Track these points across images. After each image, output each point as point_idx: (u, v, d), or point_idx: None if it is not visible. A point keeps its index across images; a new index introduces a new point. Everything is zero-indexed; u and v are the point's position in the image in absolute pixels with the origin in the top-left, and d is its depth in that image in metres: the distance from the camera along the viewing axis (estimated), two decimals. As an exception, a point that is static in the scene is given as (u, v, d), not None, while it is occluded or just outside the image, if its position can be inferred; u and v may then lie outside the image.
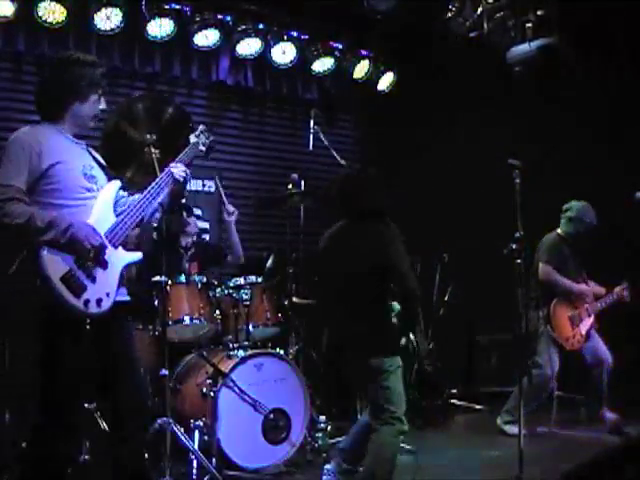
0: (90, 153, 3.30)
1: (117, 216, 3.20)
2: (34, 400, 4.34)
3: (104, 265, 3.06)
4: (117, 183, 3.28)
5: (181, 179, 3.38)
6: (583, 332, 5.46)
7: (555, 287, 5.43)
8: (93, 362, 3.10)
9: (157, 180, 3.33)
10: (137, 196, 3.30)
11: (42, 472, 3.04)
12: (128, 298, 3.25)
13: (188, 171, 3.44)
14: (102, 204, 3.16)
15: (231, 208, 5.15)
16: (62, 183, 3.06)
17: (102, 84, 3.26)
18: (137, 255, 3.23)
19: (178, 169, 3.39)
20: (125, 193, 3.35)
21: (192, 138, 3.64)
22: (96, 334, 3.02)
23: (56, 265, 2.93)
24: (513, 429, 4.88)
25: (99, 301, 3.00)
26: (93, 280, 3.00)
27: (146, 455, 3.41)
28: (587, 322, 5.51)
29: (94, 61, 3.27)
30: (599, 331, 5.59)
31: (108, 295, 3.04)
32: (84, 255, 2.98)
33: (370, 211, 4.11)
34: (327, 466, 4.20)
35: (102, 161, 3.33)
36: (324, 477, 4.17)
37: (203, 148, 3.66)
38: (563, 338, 5.39)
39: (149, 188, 3.29)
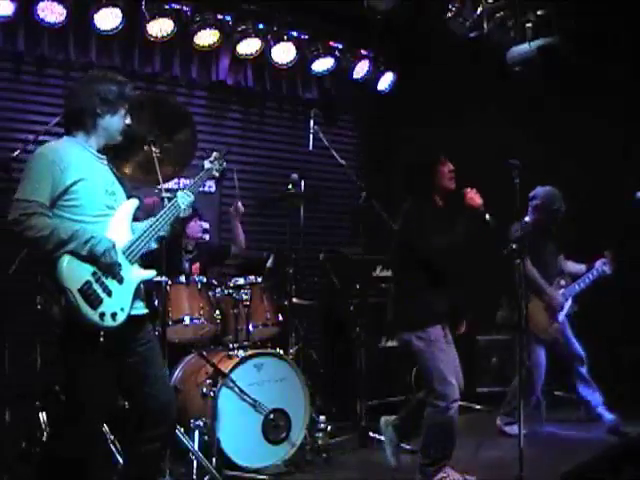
0: (111, 170, 3.35)
1: (134, 233, 3.25)
2: (33, 400, 4.38)
3: (120, 280, 3.11)
4: (136, 201, 3.33)
5: (185, 212, 3.44)
6: (561, 319, 5.38)
7: (531, 282, 5.34)
8: (109, 374, 3.14)
9: (173, 202, 3.40)
10: (152, 219, 3.35)
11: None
12: (145, 311, 3.29)
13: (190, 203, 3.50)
14: (120, 220, 3.22)
15: (241, 208, 5.27)
16: (83, 199, 3.11)
17: (129, 99, 3.32)
18: (152, 273, 3.28)
19: (186, 200, 3.45)
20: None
21: (206, 164, 3.73)
22: (110, 347, 3.06)
23: (74, 277, 2.97)
24: (513, 429, 4.88)
25: (114, 315, 3.04)
26: (109, 294, 3.05)
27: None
28: (565, 307, 5.40)
29: (122, 80, 3.34)
30: (579, 316, 5.51)
31: (123, 310, 3.08)
32: (102, 267, 3.04)
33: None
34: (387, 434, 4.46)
35: (119, 178, 3.39)
36: (382, 419, 4.47)
37: (217, 174, 3.75)
38: (540, 329, 5.31)
39: (166, 208, 3.37)
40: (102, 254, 3.02)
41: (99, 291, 3.02)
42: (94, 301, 2.98)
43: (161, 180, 3.70)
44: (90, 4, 5.43)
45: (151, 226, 3.29)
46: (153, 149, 3.86)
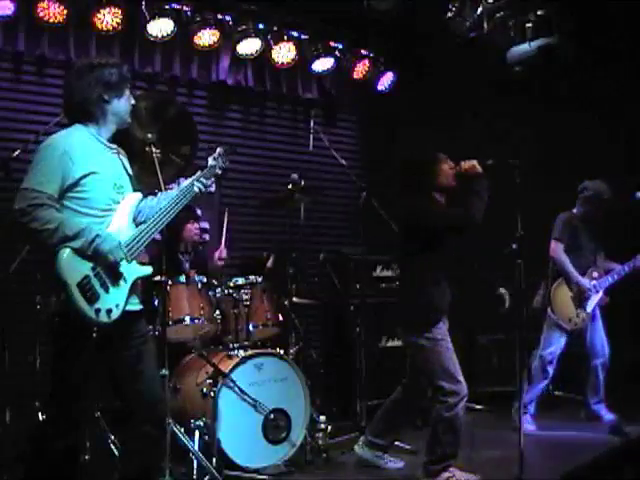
0: (121, 160, 3.33)
1: (136, 228, 3.24)
2: (33, 400, 4.37)
3: (118, 276, 3.10)
4: (138, 195, 3.32)
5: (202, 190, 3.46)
6: (589, 309, 5.40)
7: (560, 267, 5.39)
8: (99, 367, 3.15)
9: (175, 199, 3.35)
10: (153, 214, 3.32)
11: (47, 467, 3.06)
12: (140, 307, 3.28)
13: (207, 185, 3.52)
14: (122, 215, 3.20)
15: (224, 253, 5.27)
16: (92, 193, 3.10)
17: (129, 79, 3.32)
18: (148, 269, 3.26)
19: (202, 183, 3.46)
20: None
21: (210, 160, 3.64)
22: (102, 343, 3.06)
23: (74, 271, 2.96)
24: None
25: (109, 311, 3.03)
26: (106, 290, 3.04)
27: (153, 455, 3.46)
28: (594, 299, 5.43)
29: (117, 62, 3.33)
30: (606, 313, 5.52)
31: (117, 306, 3.08)
32: (102, 264, 3.03)
33: None
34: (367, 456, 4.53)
35: (129, 168, 3.37)
36: (355, 446, 4.55)
37: (219, 171, 3.65)
38: (565, 319, 5.35)
39: (167, 206, 3.31)
40: (107, 253, 3.02)
41: (97, 287, 3.00)
42: (91, 297, 2.97)
43: (162, 182, 3.71)
44: (90, 4, 5.43)
45: (153, 222, 3.25)
46: (153, 150, 3.87)
